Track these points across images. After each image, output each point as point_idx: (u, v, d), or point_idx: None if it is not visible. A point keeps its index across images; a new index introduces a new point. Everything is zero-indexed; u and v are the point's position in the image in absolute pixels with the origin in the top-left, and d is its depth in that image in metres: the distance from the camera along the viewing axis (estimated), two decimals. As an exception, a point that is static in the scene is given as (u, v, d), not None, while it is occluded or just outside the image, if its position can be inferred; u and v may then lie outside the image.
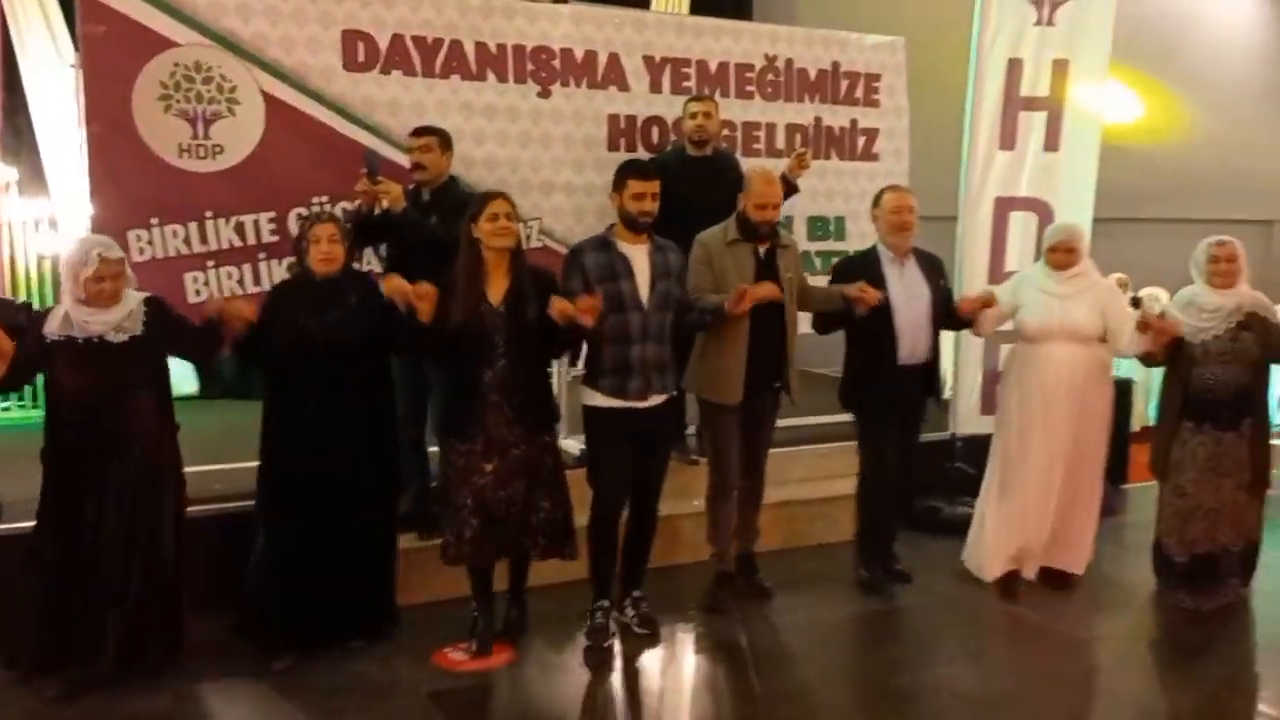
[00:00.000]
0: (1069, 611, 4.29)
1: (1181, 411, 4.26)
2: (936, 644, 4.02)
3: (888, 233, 4.34)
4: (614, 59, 5.15)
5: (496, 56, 4.89)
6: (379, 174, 4.09)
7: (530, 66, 4.96)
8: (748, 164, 5.12)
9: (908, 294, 4.29)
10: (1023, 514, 4.44)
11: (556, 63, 5.02)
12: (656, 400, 3.80)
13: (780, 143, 5.55)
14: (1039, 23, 5.34)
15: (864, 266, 4.34)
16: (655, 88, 5.24)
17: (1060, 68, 5.36)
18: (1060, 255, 4.38)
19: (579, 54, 5.06)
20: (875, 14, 6.87)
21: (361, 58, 4.62)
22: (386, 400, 3.77)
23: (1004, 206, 5.45)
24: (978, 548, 4.59)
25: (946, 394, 5.60)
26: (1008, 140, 5.41)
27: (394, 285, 3.50)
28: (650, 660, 3.82)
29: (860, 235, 5.63)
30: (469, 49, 4.83)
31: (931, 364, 4.42)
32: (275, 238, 4.49)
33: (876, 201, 4.41)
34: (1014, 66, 5.36)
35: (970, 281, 5.47)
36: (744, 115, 5.46)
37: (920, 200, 5.96)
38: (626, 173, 3.75)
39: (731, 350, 4.02)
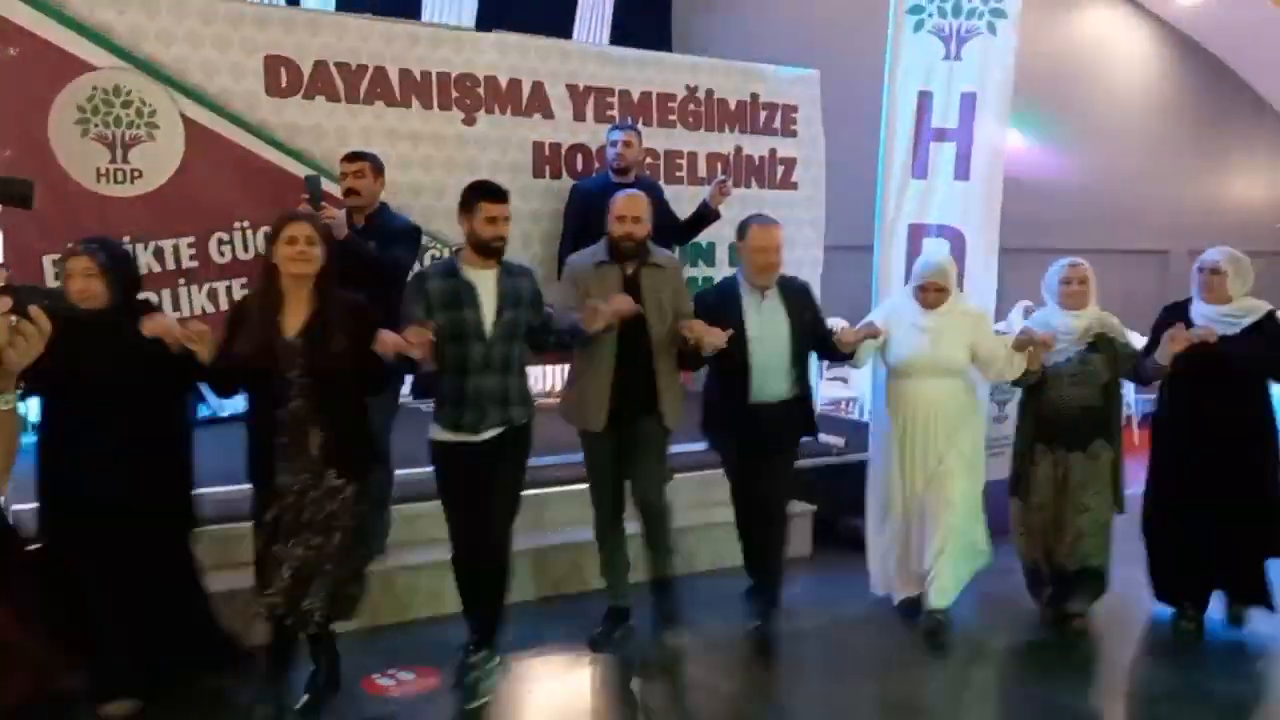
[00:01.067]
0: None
1: (1035, 433, 4.43)
2: (835, 662, 4.12)
3: (751, 271, 4.16)
4: (538, 87, 5.22)
5: (421, 83, 4.92)
6: (322, 200, 4.07)
7: (455, 94, 5.01)
8: (670, 191, 5.26)
9: (765, 329, 4.12)
10: (903, 541, 4.46)
11: (481, 90, 5.07)
12: (491, 433, 3.58)
13: (702, 171, 5.68)
14: (947, 57, 5.55)
15: (721, 299, 4.19)
16: (579, 116, 5.33)
17: (968, 100, 5.57)
18: (931, 295, 4.33)
19: (504, 82, 5.12)
20: (791, 47, 7.08)
21: (285, 83, 4.61)
22: (172, 436, 3.45)
23: (918, 234, 5.63)
24: (878, 574, 4.65)
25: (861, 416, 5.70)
26: (920, 169, 5.60)
27: (154, 326, 3.19)
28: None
29: (789, 263, 5.78)
30: (393, 76, 4.85)
31: (799, 399, 4.23)
32: (195, 263, 4.43)
33: (741, 234, 4.22)
34: (924, 99, 5.56)
35: (887, 306, 5.65)
36: (666, 144, 5.58)
37: (837, 228, 6.19)
38: (477, 195, 3.57)
39: (595, 374, 3.91)
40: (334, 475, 3.29)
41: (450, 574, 3.72)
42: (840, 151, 6.14)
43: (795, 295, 4.26)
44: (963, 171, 5.62)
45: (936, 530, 4.27)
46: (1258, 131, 12.05)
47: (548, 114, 5.24)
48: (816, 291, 5.81)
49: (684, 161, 5.65)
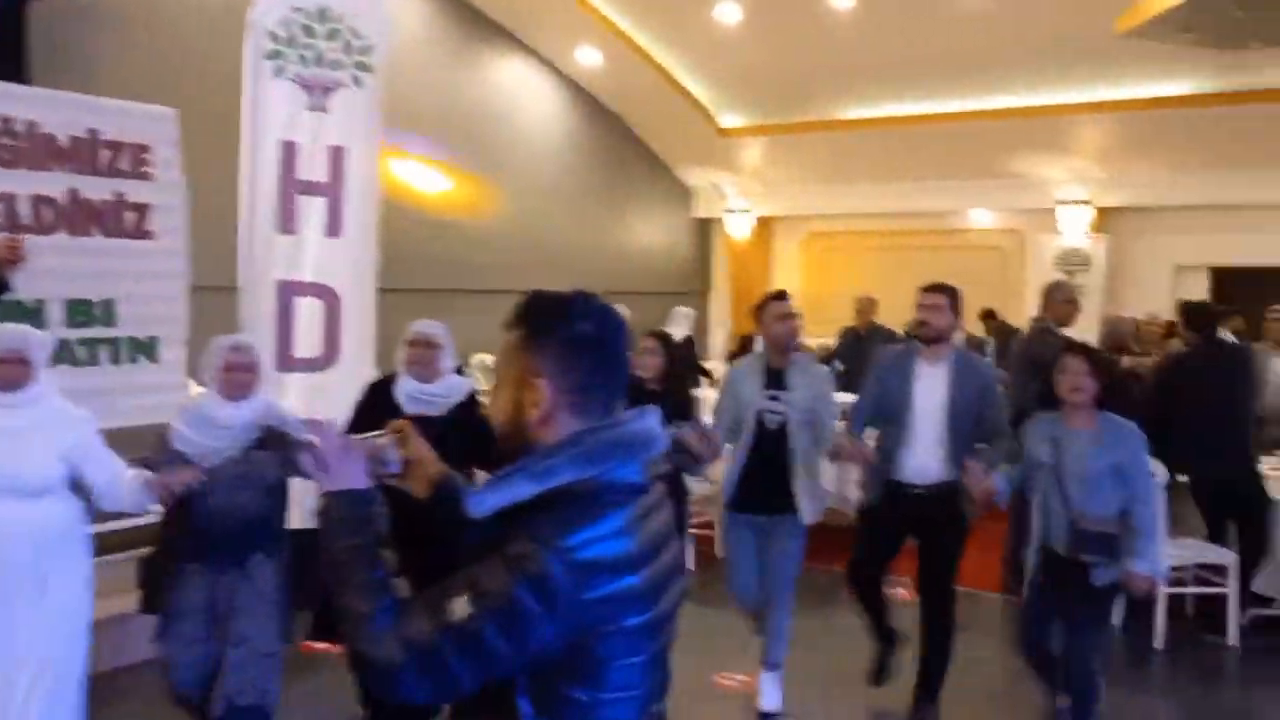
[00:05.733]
0: None
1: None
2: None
3: None
4: None
5: None
6: None
7: None
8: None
9: None
10: None
11: None
12: None
13: (26, 215, 4.83)
14: (312, 108, 5.31)
15: None
16: None
17: (337, 154, 5.38)
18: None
19: None
20: (152, 84, 6.43)
21: None
22: None
23: (288, 291, 5.31)
24: None
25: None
26: (287, 223, 5.29)
27: None
28: None
29: (136, 320, 5.13)
30: None
31: None
32: None
33: None
34: (288, 149, 5.26)
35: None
36: (-28, 183, 4.67)
37: (209, 282, 5.64)
38: None
39: None
40: None
41: None
42: (209, 197, 5.61)
43: None
44: (334, 228, 5.41)
45: None
46: (653, 182, 13.53)
47: None
48: (180, 353, 5.32)
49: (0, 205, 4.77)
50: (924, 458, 4.20)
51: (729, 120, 12.52)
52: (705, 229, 14.38)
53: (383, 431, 1.74)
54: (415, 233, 9.82)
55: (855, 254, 13.37)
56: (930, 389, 4.21)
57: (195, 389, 6.71)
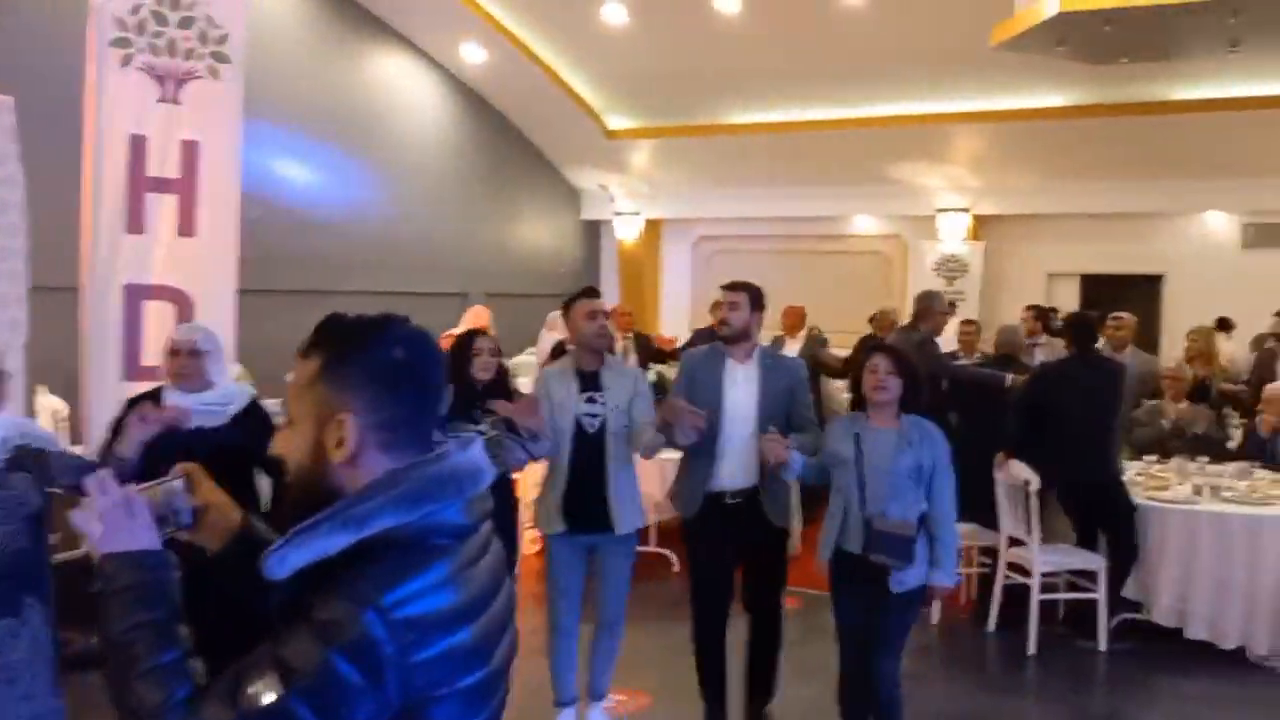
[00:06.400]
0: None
1: None
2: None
3: None
4: None
5: None
6: None
7: None
8: None
9: None
10: None
11: None
12: None
13: None
14: (163, 100, 4.97)
15: None
16: None
17: (191, 149, 5.05)
18: None
19: None
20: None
21: None
22: None
23: (136, 295, 4.96)
24: None
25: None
26: (135, 223, 4.94)
27: None
28: None
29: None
30: None
31: None
32: None
33: None
34: (138, 144, 4.91)
35: (101, 377, 4.89)
36: None
37: (49, 282, 5.23)
38: None
39: None
40: None
41: None
42: (51, 193, 5.19)
43: None
44: (188, 227, 5.08)
45: None
46: (540, 183, 13.32)
47: None
48: (17, 360, 4.91)
49: None
50: (737, 462, 4.15)
51: (617, 122, 12.40)
52: (594, 231, 14.25)
53: (170, 477, 1.46)
54: (286, 232, 9.44)
55: (744, 257, 13.41)
56: (741, 388, 4.18)
57: (43, 399, 6.32)
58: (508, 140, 12.68)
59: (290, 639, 1.27)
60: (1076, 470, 5.44)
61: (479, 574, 1.41)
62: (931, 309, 5.86)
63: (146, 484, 1.44)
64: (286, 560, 1.30)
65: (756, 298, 4.25)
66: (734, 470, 4.16)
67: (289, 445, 1.42)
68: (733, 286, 4.25)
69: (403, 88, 11.22)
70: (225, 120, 5.14)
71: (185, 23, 4.99)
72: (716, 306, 4.24)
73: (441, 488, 1.38)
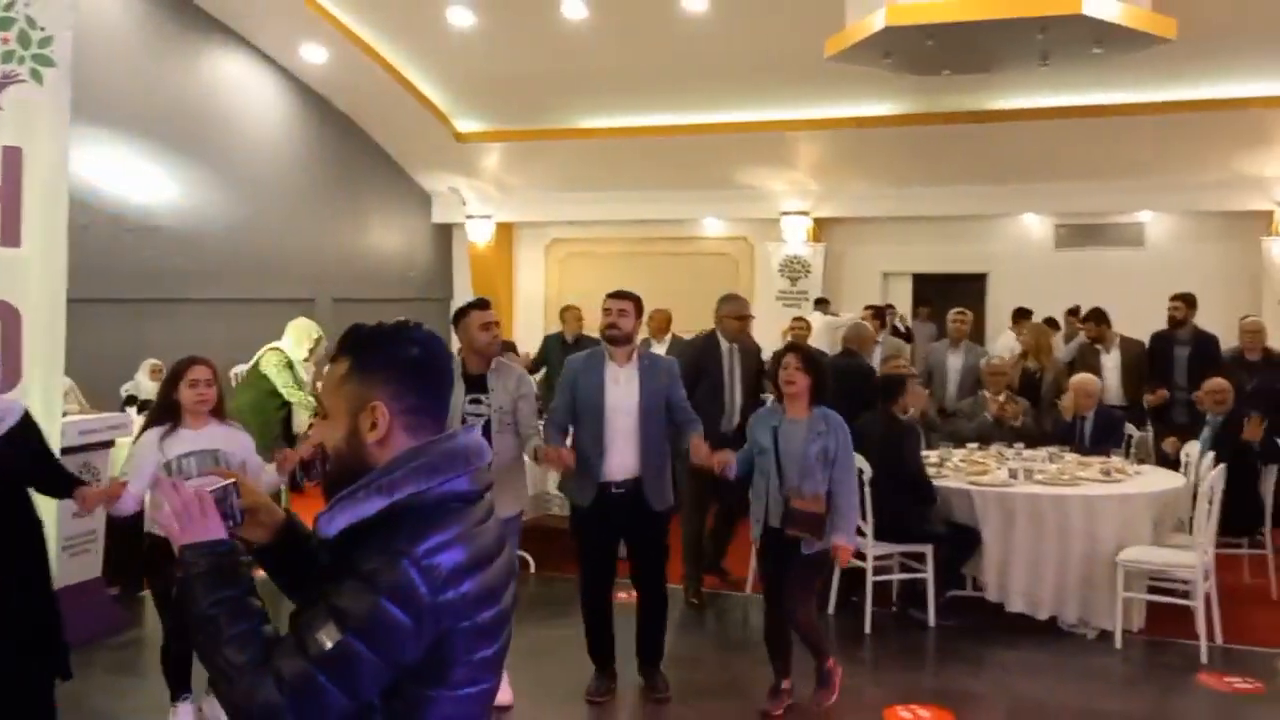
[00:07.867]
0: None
1: None
2: None
3: None
4: None
5: None
6: None
7: None
8: None
9: None
10: None
11: None
12: None
13: None
14: (-18, 103, 4.76)
15: None
16: None
17: (13, 156, 4.84)
18: None
19: None
20: None
21: None
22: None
23: (-44, 308, 4.73)
24: None
25: None
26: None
27: None
28: None
29: None
30: None
31: None
32: None
33: None
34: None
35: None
36: None
37: None
38: None
39: None
40: None
41: None
42: None
43: None
44: (11, 237, 4.88)
45: None
46: (389, 186, 13.17)
47: None
48: None
49: None
50: (622, 455, 4.57)
51: (466, 125, 12.38)
52: (446, 234, 14.17)
53: (226, 482, 1.69)
54: (121, 240, 9.09)
55: (596, 260, 13.60)
56: (623, 387, 4.59)
57: None
58: (354, 143, 12.49)
59: (342, 590, 1.54)
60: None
61: (486, 532, 1.70)
62: (737, 310, 6.27)
63: (209, 485, 1.68)
64: (334, 521, 1.61)
65: (639, 306, 4.72)
66: (619, 463, 4.59)
67: (329, 433, 1.71)
68: (621, 295, 4.68)
69: (243, 90, 10.92)
70: (50, 126, 4.95)
71: (4, 24, 4.79)
72: (606, 313, 4.65)
73: (453, 461, 1.66)
